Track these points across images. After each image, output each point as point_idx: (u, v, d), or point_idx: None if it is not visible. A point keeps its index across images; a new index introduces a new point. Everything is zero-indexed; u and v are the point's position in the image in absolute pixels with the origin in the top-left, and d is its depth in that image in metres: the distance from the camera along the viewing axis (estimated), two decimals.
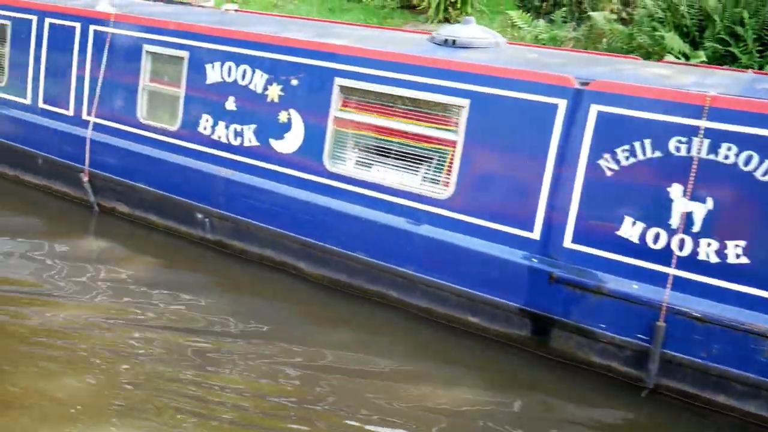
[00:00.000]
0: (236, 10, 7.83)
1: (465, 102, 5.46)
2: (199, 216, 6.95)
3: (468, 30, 6.10)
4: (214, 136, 6.74)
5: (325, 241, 6.16)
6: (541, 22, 10.01)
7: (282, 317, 5.98)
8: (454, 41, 5.96)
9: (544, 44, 9.34)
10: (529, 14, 10.24)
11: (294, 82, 6.25)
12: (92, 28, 7.54)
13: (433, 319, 5.83)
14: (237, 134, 6.60)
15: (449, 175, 5.60)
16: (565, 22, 10.13)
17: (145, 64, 7.18)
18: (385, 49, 5.94)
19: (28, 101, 8.11)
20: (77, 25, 7.65)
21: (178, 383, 5.00)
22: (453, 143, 5.55)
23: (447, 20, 11.96)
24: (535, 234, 5.25)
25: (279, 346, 5.50)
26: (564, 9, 10.18)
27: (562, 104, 5.10)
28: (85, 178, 7.60)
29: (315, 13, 12.32)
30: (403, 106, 5.80)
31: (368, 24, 11.17)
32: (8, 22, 8.20)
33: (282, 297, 6.28)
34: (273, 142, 6.41)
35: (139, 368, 5.13)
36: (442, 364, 5.40)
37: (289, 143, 6.32)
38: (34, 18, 8.00)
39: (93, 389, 4.89)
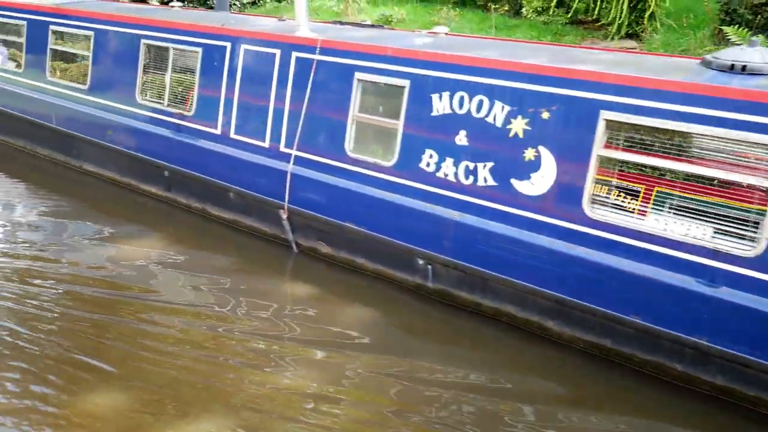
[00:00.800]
0: (446, 33, 7.15)
1: None
2: (420, 262, 6.25)
3: (756, 54, 5.16)
4: (440, 174, 6.04)
5: (584, 299, 5.32)
6: (761, 37, 8.83)
7: (541, 386, 5.19)
8: (743, 67, 5.03)
9: None
10: (744, 30, 9.09)
11: (545, 115, 5.46)
12: (294, 54, 7.03)
13: (733, 399, 4.87)
14: (469, 172, 5.87)
15: (757, 229, 4.65)
16: None
17: (356, 94, 6.57)
18: (666, 77, 5.06)
19: (218, 131, 7.70)
20: (277, 52, 7.16)
21: None
22: (766, 190, 4.61)
23: (631, 36, 10.95)
24: None
25: (548, 421, 4.72)
26: None
27: None
28: (285, 215, 7.08)
29: (491, 31, 11.57)
30: (690, 145, 4.91)
31: (542, 41, 10.33)
32: (199, 50, 7.83)
33: (535, 363, 5.47)
34: (516, 183, 5.64)
35: None
36: None
37: (537, 184, 5.53)
38: (228, 45, 7.58)
39: None
